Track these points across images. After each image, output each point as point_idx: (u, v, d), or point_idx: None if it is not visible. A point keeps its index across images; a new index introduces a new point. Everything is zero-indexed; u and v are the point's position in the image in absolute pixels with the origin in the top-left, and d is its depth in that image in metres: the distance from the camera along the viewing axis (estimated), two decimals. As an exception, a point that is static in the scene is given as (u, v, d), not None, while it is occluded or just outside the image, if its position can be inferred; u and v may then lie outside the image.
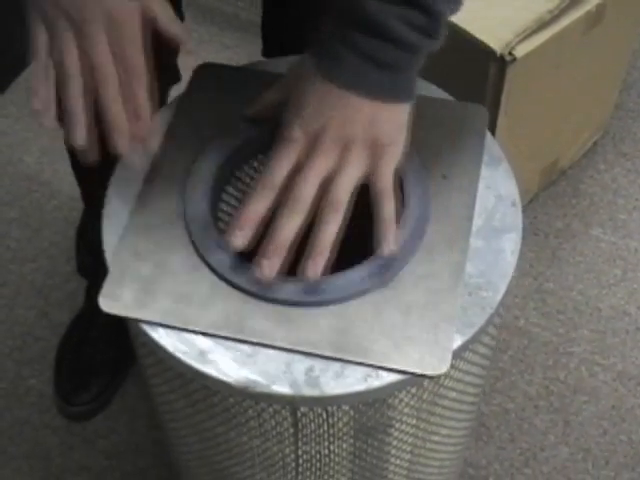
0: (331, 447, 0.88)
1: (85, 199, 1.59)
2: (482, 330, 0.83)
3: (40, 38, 0.84)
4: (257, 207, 0.80)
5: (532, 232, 1.92)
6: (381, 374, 0.79)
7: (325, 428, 0.84)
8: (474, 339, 0.82)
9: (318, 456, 0.89)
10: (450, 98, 0.99)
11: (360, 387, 0.79)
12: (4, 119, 2.10)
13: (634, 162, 2.04)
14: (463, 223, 0.87)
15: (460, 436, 1.08)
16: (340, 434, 0.86)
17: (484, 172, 0.92)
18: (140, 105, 0.83)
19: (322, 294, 0.82)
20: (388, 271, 0.84)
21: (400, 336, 0.81)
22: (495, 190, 0.91)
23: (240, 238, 0.80)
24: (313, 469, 0.92)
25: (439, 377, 0.80)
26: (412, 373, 0.79)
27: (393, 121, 0.81)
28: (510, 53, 1.53)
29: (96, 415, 1.66)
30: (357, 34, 0.77)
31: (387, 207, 0.81)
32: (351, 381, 0.79)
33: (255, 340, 0.81)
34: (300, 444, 0.87)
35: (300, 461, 0.91)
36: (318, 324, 0.81)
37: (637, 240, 1.91)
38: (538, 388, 1.70)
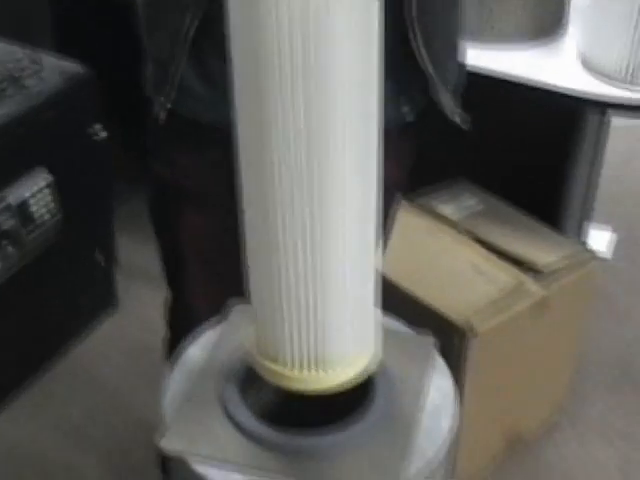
0: None
1: None
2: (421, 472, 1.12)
3: None
4: None
5: None
6: None
7: None
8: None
9: None
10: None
11: None
12: (58, 382, 2.46)
13: (588, 438, 2.39)
14: (416, 408, 1.19)
15: None
16: None
17: (432, 376, 1.25)
18: None
19: (314, 449, 1.13)
20: (362, 438, 1.14)
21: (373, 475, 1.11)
22: (439, 389, 1.23)
23: None
24: None
25: None
26: None
27: None
28: (471, 329, 1.92)
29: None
30: None
31: None
32: None
33: (268, 476, 1.11)
34: None
35: None
36: (311, 467, 1.12)
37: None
38: None
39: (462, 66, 1.59)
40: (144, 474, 2.20)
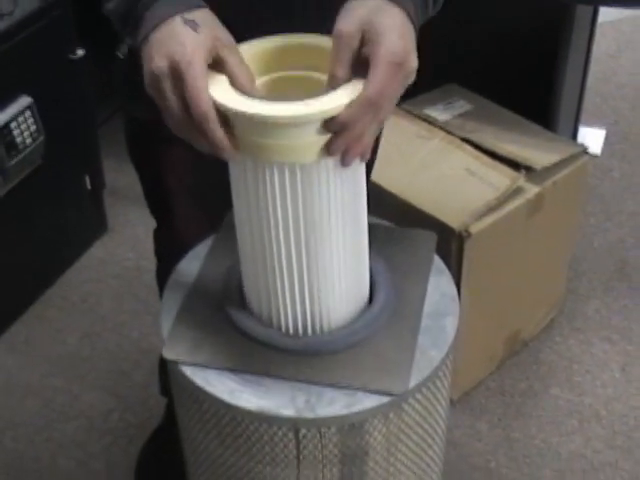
0: (324, 471, 1.12)
1: None
2: (429, 377, 1.13)
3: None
4: None
5: (499, 392, 2.23)
6: (358, 402, 1.08)
7: (319, 449, 1.11)
8: (423, 383, 1.12)
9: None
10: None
11: (343, 411, 1.07)
12: (51, 308, 2.49)
13: (586, 335, 2.41)
14: (416, 310, 1.20)
15: (425, 479, 1.27)
16: (331, 456, 1.12)
17: (432, 278, 1.26)
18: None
19: (317, 346, 1.14)
20: (367, 332, 1.15)
21: (376, 371, 1.11)
22: (440, 290, 1.24)
23: None
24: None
25: (400, 399, 1.10)
26: (383, 392, 1.08)
27: None
28: (466, 230, 1.90)
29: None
30: None
31: None
32: (337, 407, 1.07)
33: (272, 374, 1.11)
34: (301, 468, 1.13)
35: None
36: (316, 365, 1.12)
37: (590, 396, 2.25)
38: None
39: None
40: (144, 395, 2.21)
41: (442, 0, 1.18)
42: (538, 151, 2.07)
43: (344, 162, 1.02)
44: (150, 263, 1.81)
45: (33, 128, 2.21)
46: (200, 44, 1.01)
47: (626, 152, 3.02)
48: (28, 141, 2.21)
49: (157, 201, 1.64)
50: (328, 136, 0.99)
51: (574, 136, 2.82)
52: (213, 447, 1.17)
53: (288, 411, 1.07)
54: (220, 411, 1.11)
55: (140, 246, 2.58)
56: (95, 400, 2.22)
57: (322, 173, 1.03)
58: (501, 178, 1.98)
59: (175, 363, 1.14)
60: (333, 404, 1.08)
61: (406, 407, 1.12)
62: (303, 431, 1.09)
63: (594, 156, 2.90)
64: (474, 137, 2.09)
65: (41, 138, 2.25)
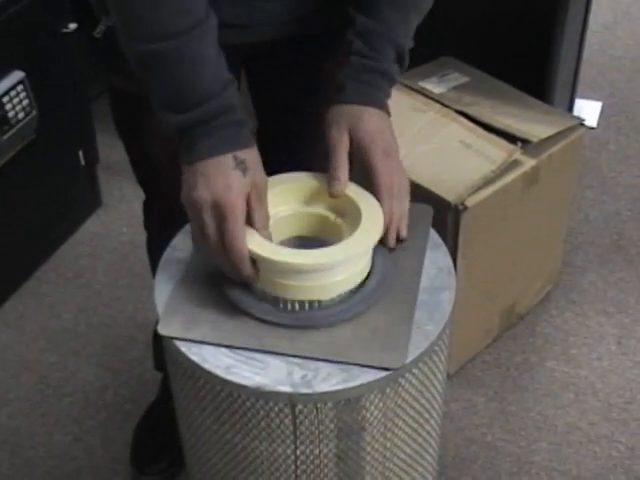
0: (321, 446, 1.12)
1: None
2: (426, 352, 1.13)
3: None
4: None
5: (495, 366, 2.25)
6: (355, 377, 1.08)
7: (316, 425, 1.11)
8: (420, 357, 1.12)
9: (312, 457, 1.13)
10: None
11: (340, 386, 1.07)
12: (46, 283, 2.48)
13: (582, 308, 2.40)
14: (413, 284, 1.20)
15: (422, 453, 1.28)
16: (327, 432, 1.12)
17: (428, 252, 1.26)
18: None
19: (313, 320, 1.14)
20: (363, 307, 1.15)
21: (372, 346, 1.11)
22: (436, 264, 1.24)
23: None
24: (308, 471, 1.15)
25: (397, 374, 1.10)
26: (380, 367, 1.09)
27: None
28: (462, 204, 1.89)
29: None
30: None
31: None
32: (334, 382, 1.08)
33: (268, 349, 1.11)
34: (298, 443, 1.13)
35: (298, 462, 1.14)
36: (312, 339, 1.12)
37: (586, 369, 2.24)
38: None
39: None
40: (139, 370, 2.21)
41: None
42: (534, 124, 2.06)
43: (392, 245, 1.21)
44: (144, 237, 1.81)
45: (25, 103, 2.19)
46: (243, 189, 1.11)
47: (622, 124, 3.01)
48: (20, 115, 2.19)
49: (144, 171, 1.64)
50: (346, 275, 1.14)
51: (570, 108, 2.81)
52: (209, 424, 1.17)
53: (284, 387, 1.07)
54: (216, 387, 1.11)
55: (134, 221, 2.56)
56: (90, 375, 2.21)
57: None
58: (497, 151, 1.97)
59: (170, 339, 1.14)
60: (329, 379, 1.08)
61: (403, 382, 1.12)
62: (299, 406, 1.09)
63: (590, 128, 2.89)
64: (470, 110, 2.08)
65: (34, 113, 2.23)
